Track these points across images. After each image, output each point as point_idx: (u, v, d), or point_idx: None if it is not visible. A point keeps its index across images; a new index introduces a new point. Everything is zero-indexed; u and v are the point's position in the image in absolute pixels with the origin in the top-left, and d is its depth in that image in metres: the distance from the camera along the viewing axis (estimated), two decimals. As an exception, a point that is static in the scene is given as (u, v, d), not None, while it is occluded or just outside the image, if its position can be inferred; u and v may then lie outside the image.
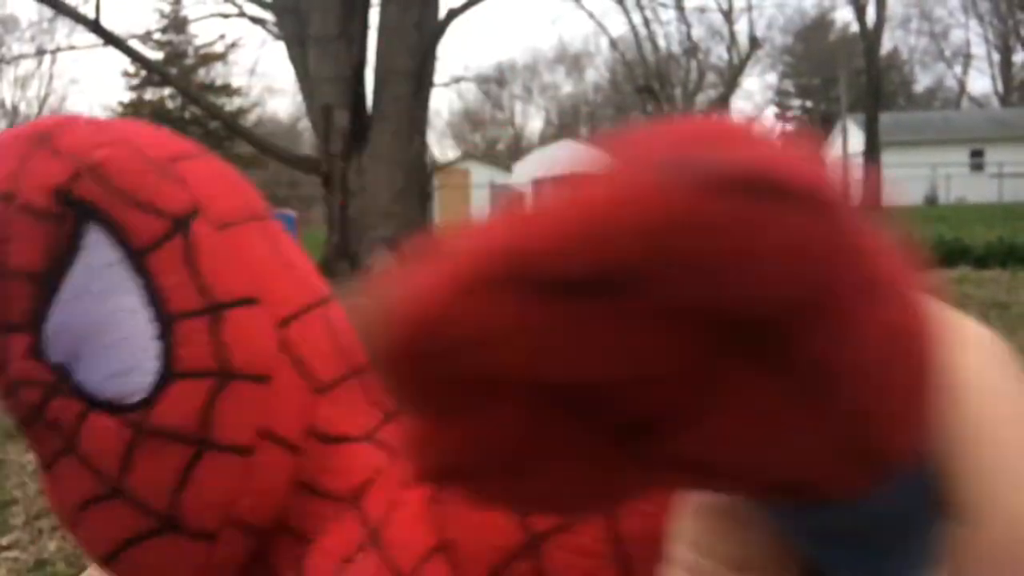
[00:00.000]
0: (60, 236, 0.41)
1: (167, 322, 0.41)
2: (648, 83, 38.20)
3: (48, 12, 14.99)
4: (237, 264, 0.44)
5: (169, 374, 0.41)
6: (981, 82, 68.93)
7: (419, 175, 12.94)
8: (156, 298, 0.41)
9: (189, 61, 38.19)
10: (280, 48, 17.41)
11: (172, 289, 0.41)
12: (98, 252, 0.41)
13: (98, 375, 0.41)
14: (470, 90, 55.39)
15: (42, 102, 48.81)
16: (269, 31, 15.28)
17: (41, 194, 0.41)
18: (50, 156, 0.42)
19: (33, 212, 0.40)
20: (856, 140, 30.63)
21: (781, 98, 58.30)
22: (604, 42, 59.04)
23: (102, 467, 0.41)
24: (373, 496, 0.43)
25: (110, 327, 0.41)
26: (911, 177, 28.57)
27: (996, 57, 44.80)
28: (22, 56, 27.08)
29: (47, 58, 43.61)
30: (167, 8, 36.31)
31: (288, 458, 0.43)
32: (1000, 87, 45.02)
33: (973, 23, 40.63)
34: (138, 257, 0.41)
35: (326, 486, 0.44)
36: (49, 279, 0.41)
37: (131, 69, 37.06)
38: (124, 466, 0.41)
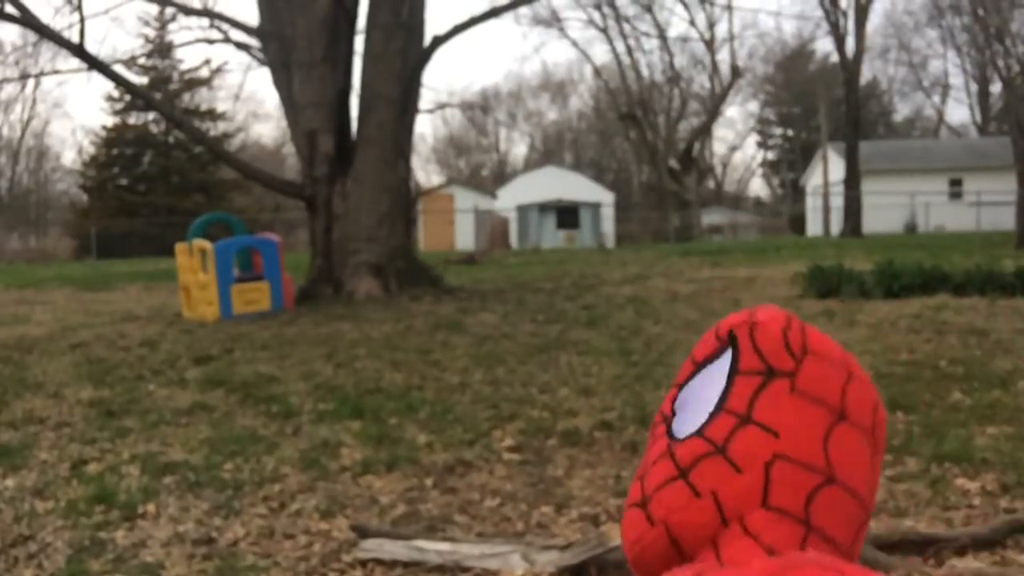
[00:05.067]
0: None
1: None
2: (631, 111, 38.49)
3: (32, 36, 14.96)
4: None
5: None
6: (959, 112, 69.96)
7: (403, 200, 12.96)
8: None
9: (174, 86, 38.13)
10: (265, 73, 17.50)
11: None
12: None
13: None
14: (455, 116, 55.62)
15: (25, 126, 48.66)
16: (254, 56, 15.32)
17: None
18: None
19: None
20: (836, 168, 30.93)
21: (762, 126, 58.93)
22: (588, 70, 59.42)
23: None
24: None
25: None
26: (890, 205, 28.87)
27: (974, 87, 45.53)
28: (6, 80, 26.97)
29: (31, 82, 43.53)
30: (152, 33, 36.35)
31: None
32: (978, 117, 45.70)
33: (951, 54, 41.32)
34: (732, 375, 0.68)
35: None
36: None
37: (115, 94, 37.01)
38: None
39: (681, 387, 0.69)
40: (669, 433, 0.66)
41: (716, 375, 0.66)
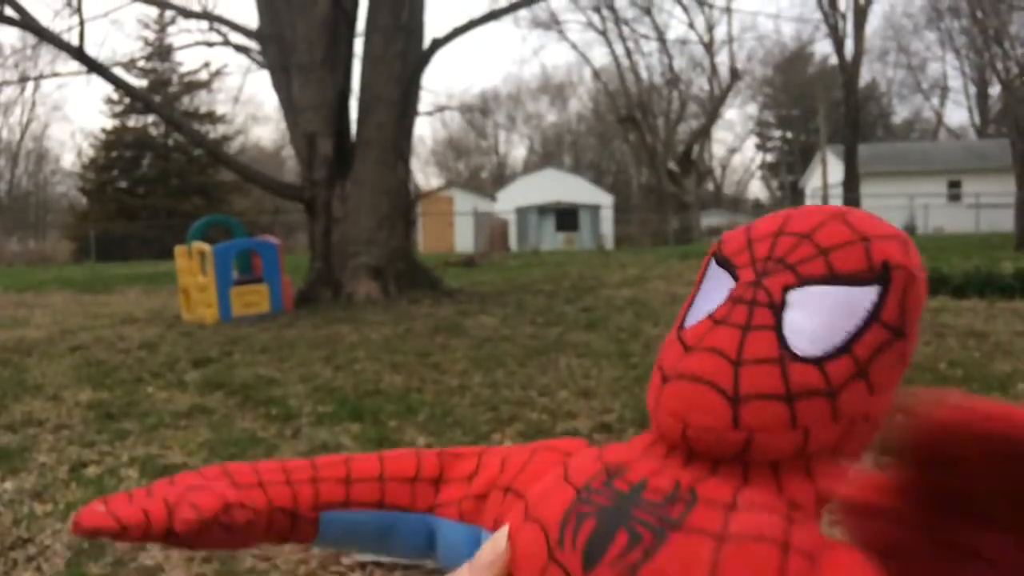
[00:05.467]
0: None
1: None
2: (630, 113, 38.54)
3: (32, 39, 14.97)
4: None
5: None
6: (958, 114, 70.37)
7: (403, 202, 12.97)
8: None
9: (173, 89, 38.18)
10: (264, 76, 17.51)
11: None
12: None
13: None
14: (454, 118, 55.75)
15: (24, 128, 48.71)
16: (253, 59, 15.34)
17: None
18: None
19: None
20: (835, 171, 31.01)
21: (761, 129, 59.03)
22: (587, 72, 59.57)
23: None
24: None
25: None
26: (889, 207, 28.94)
27: (973, 90, 45.61)
28: (5, 83, 26.97)
29: (30, 85, 43.58)
30: (151, 36, 36.39)
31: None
32: (977, 119, 45.79)
33: (950, 57, 41.43)
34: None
35: None
36: None
37: (115, 96, 37.08)
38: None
39: (802, 279, 0.61)
40: (778, 329, 0.60)
41: (850, 305, 0.60)
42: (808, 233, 0.63)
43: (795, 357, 0.59)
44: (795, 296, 0.61)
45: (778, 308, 0.61)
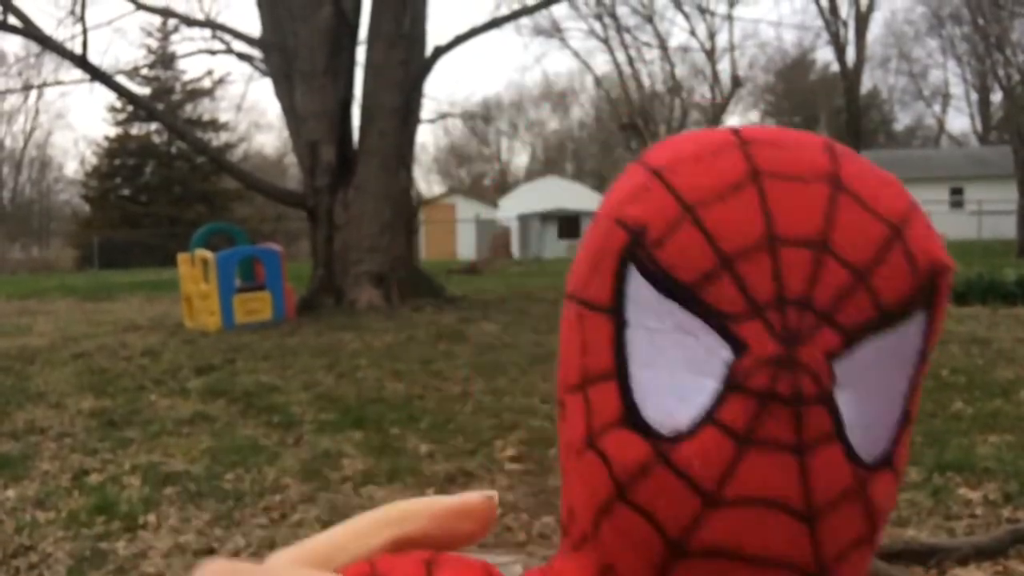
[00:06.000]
0: None
1: None
2: (632, 120, 38.59)
3: (35, 47, 15.03)
4: None
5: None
6: (960, 121, 70.35)
7: (405, 210, 12.99)
8: None
9: (176, 96, 38.29)
10: (267, 84, 17.56)
11: None
12: None
13: None
14: (456, 126, 55.82)
15: (28, 136, 48.85)
16: (256, 67, 15.40)
17: None
18: None
19: None
20: (838, 177, 30.95)
21: (764, 136, 58.95)
22: (589, 80, 59.62)
23: None
24: None
25: None
26: (892, 214, 28.88)
27: (974, 96, 45.66)
28: (8, 91, 27.08)
29: (33, 93, 43.70)
30: (154, 44, 36.50)
31: None
32: (979, 126, 45.82)
33: (952, 64, 41.41)
34: None
35: None
36: None
37: (118, 104, 37.18)
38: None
39: (848, 337, 0.36)
40: (841, 435, 0.37)
41: (899, 347, 0.38)
42: (851, 261, 0.37)
43: (867, 467, 0.38)
44: (842, 370, 0.37)
45: (832, 400, 0.37)
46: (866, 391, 0.37)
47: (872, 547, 0.39)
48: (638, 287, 0.38)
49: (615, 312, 0.38)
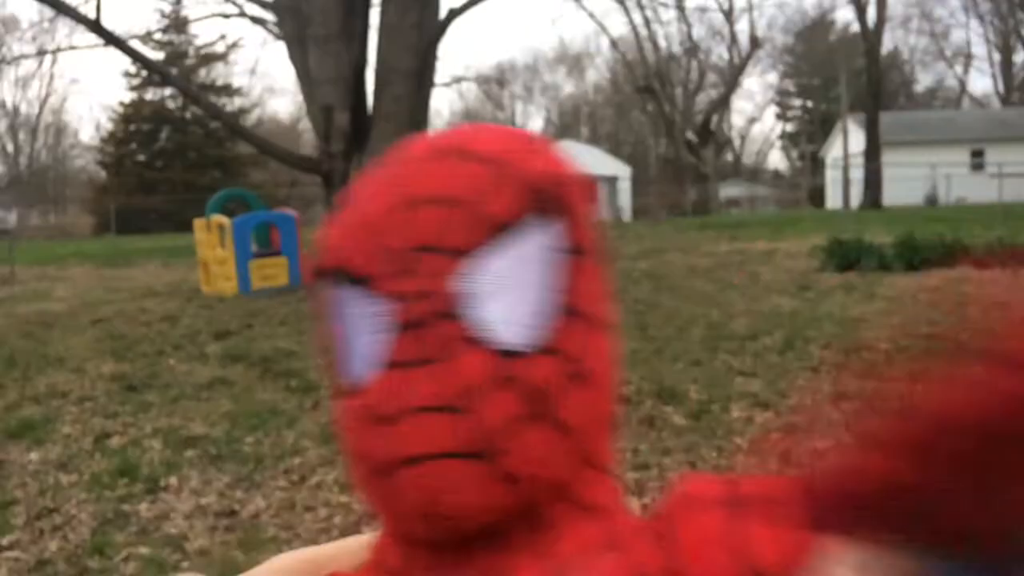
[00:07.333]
0: None
1: None
2: (648, 83, 38.15)
3: (49, 12, 15.00)
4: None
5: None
6: (982, 82, 69.38)
7: (419, 175, 12.95)
8: None
9: (190, 61, 38.19)
10: (281, 48, 17.50)
11: None
12: None
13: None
14: (471, 90, 55.41)
15: (43, 102, 48.92)
16: (270, 31, 15.34)
17: None
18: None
19: None
20: (857, 140, 30.62)
21: (782, 98, 58.31)
22: (604, 42, 58.96)
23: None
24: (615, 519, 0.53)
25: None
26: (911, 177, 28.57)
27: (997, 57, 44.82)
28: (23, 56, 27.09)
29: (48, 58, 43.69)
30: (168, 8, 36.33)
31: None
32: (1001, 87, 45.03)
33: (974, 23, 40.73)
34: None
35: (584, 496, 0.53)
36: None
37: (132, 69, 37.09)
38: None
39: (462, 256, 0.49)
40: (475, 336, 0.51)
41: (529, 250, 0.51)
42: (443, 196, 0.49)
43: (520, 355, 0.48)
44: (476, 284, 0.48)
45: (454, 312, 0.48)
46: (508, 293, 0.48)
47: (549, 422, 0.48)
48: (331, 293, 0.53)
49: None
